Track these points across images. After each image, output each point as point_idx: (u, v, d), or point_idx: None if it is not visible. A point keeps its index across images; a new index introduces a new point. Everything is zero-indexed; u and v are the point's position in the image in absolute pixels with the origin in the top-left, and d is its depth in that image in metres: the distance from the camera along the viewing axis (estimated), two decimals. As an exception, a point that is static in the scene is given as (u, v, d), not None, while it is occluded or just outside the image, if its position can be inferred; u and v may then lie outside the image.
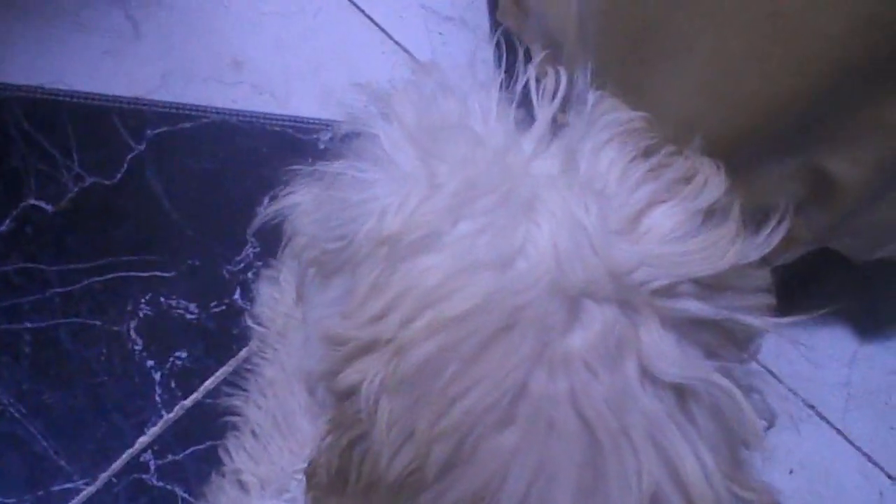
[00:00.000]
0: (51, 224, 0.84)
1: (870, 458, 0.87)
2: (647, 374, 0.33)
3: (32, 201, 0.85)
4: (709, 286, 0.35)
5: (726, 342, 0.36)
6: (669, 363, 0.33)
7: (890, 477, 0.87)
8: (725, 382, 0.33)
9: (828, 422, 0.89)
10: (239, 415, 0.76)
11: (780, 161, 0.66)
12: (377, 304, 0.35)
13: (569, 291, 0.34)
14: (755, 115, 0.61)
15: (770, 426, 0.38)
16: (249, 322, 0.80)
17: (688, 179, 0.38)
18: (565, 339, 0.33)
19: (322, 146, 0.93)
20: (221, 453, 0.73)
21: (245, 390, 0.77)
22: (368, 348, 0.35)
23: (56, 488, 0.76)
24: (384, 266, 0.35)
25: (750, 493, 0.34)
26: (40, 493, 0.76)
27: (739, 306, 0.35)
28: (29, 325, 0.81)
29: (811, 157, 0.65)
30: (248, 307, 0.82)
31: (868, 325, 0.94)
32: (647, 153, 0.39)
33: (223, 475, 0.74)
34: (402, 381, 0.33)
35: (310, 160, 0.93)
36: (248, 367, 0.78)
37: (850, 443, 0.88)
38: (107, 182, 0.87)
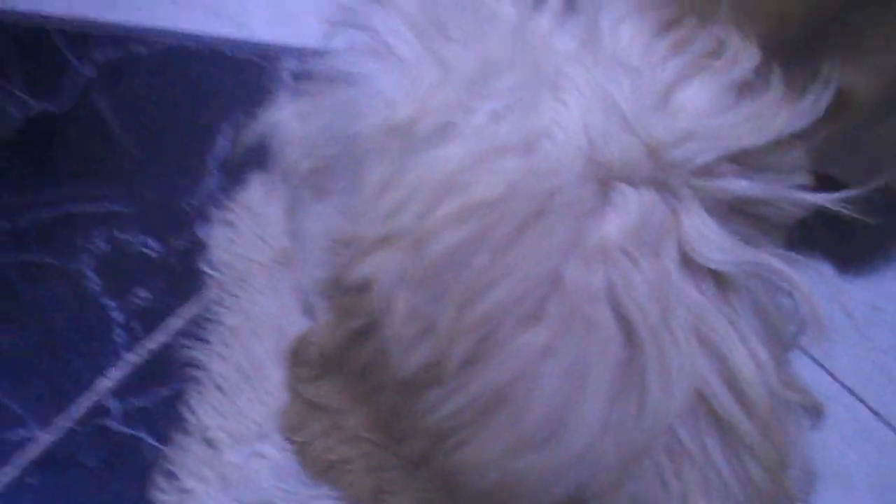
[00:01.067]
0: (-7, 155, 0.78)
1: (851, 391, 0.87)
2: (689, 262, 0.30)
3: (-30, 130, 0.78)
4: (749, 165, 0.32)
5: (763, 229, 0.33)
6: (713, 249, 0.30)
7: (874, 412, 0.87)
8: (779, 264, 0.30)
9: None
10: (200, 368, 0.72)
11: (788, 71, 0.63)
12: (391, 199, 0.31)
13: (603, 174, 0.30)
14: (767, 22, 0.58)
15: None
16: (205, 268, 0.76)
17: (716, 53, 0.35)
18: (601, 226, 0.30)
19: (285, 73, 0.87)
20: (183, 410, 0.69)
21: (205, 341, 0.72)
22: (383, 243, 0.31)
23: (9, 435, 0.71)
24: (396, 159, 0.32)
25: (797, 395, 0.32)
26: (-9, 440, 0.70)
27: (781, 185, 0.32)
28: (-27, 262, 0.75)
29: (820, 66, 0.62)
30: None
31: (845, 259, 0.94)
32: (668, 27, 0.35)
33: (187, 433, 0.70)
34: (424, 273, 0.30)
35: (272, 88, 0.88)
36: (207, 316, 0.73)
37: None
38: (54, 109, 0.80)
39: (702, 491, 0.30)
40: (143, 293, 0.76)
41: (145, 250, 0.78)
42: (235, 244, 0.74)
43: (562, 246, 0.29)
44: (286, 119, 0.46)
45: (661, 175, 0.30)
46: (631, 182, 0.30)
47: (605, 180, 0.30)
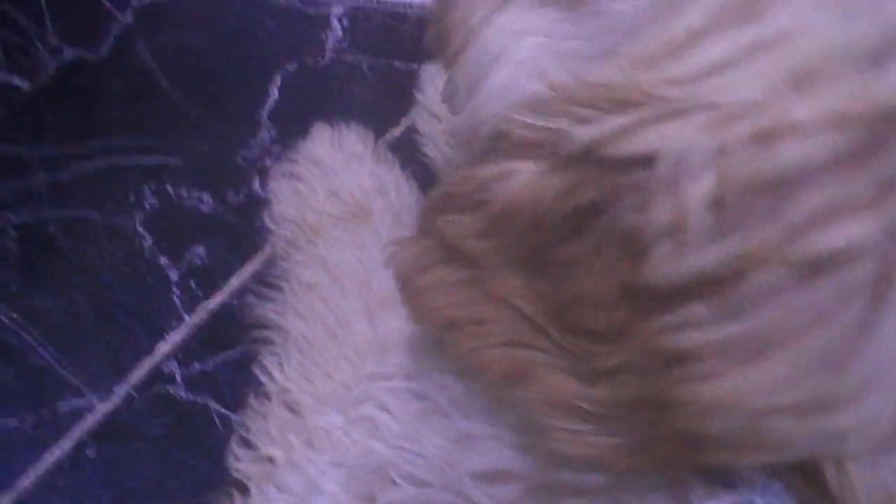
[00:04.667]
0: (28, 105, 0.71)
1: None
2: None
3: (3, 76, 0.71)
4: None
5: None
6: None
7: None
8: None
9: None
10: (272, 328, 0.66)
11: None
12: (709, 61, 0.26)
13: None
14: None
15: None
16: (270, 224, 0.70)
17: None
18: None
19: (333, 20, 0.82)
20: (259, 373, 0.63)
21: (276, 300, 0.67)
22: (687, 113, 0.26)
23: (64, 406, 0.64)
24: (731, 13, 0.26)
25: None
26: (43, 411, 0.64)
27: None
28: (12, 217, 0.68)
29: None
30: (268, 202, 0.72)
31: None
32: None
33: (266, 397, 0.65)
34: (755, 177, 0.25)
35: (322, 36, 0.82)
36: (276, 273, 0.68)
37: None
38: (91, 56, 0.74)
39: None
40: (200, 251, 0.70)
41: (200, 206, 0.72)
42: (304, 197, 0.69)
43: None
44: None
45: None
46: None
47: None
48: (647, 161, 0.26)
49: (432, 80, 0.78)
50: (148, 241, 0.70)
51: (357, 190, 0.69)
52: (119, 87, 0.74)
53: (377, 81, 0.81)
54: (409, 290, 0.37)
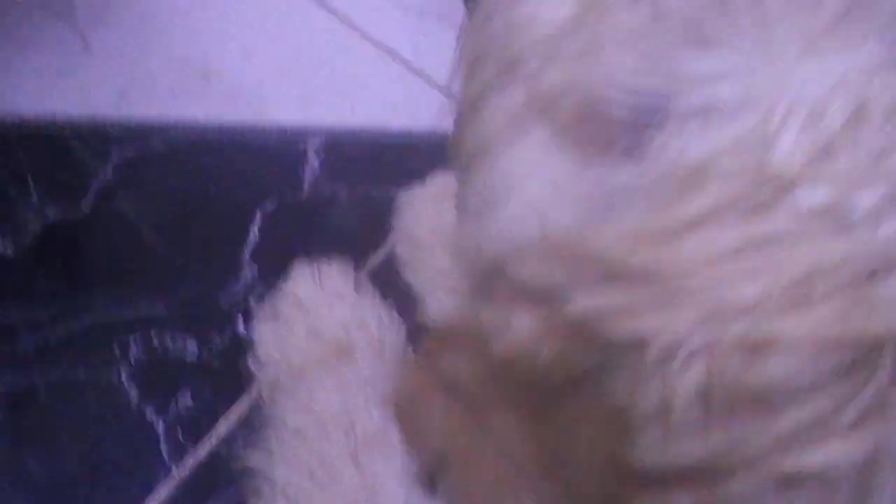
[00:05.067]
0: (13, 268, 0.73)
1: None
2: None
3: (-13, 243, 0.73)
4: None
5: None
6: None
7: None
8: None
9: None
10: (259, 476, 0.66)
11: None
12: (710, 250, 0.26)
13: None
14: None
15: None
16: (254, 368, 0.71)
17: None
18: None
19: (311, 154, 0.84)
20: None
21: (262, 446, 0.67)
22: (675, 299, 0.26)
23: (56, 574, 0.64)
24: (737, 204, 0.26)
25: None
26: (36, 581, 0.64)
27: None
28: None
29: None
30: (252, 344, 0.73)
31: None
32: None
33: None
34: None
35: (299, 170, 0.84)
36: (261, 419, 0.68)
37: None
38: (73, 215, 0.76)
39: None
40: (186, 399, 0.70)
41: (185, 353, 0.72)
42: (286, 339, 0.69)
43: None
44: None
45: None
46: None
47: None
48: (639, 343, 0.26)
49: (410, 206, 0.79)
50: (134, 395, 0.70)
51: (338, 328, 0.69)
52: (102, 243, 0.76)
53: (356, 210, 0.82)
54: (406, 418, 0.37)
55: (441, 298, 0.75)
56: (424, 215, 0.77)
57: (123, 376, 0.71)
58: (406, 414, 0.38)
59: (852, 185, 0.26)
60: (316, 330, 0.69)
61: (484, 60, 0.36)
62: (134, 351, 0.72)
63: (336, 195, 0.82)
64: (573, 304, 0.28)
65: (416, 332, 0.73)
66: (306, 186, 0.82)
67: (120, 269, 0.75)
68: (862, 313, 0.25)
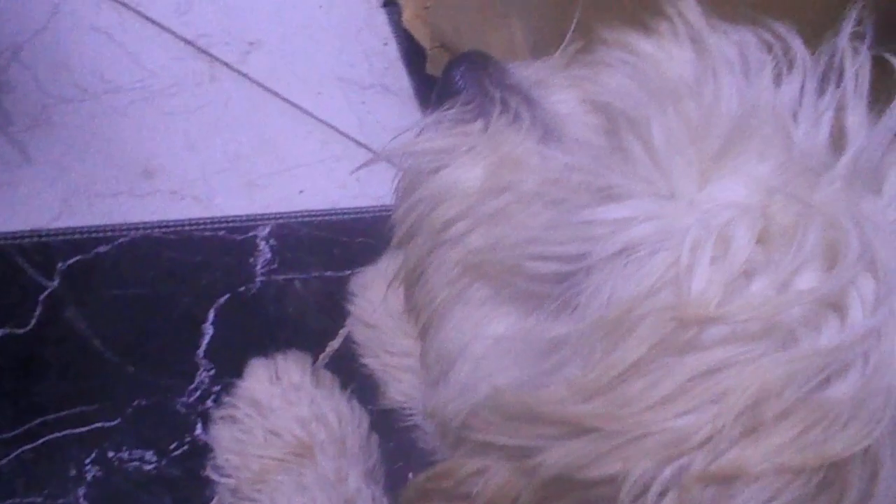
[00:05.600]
0: (-41, 393, 0.71)
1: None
2: None
3: (-68, 371, 0.71)
4: None
5: None
6: None
7: None
8: None
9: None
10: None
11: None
12: (654, 392, 0.27)
13: None
14: None
15: None
16: (213, 476, 0.69)
17: None
18: None
19: (261, 244, 0.83)
20: None
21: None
22: (647, 438, 0.27)
23: None
24: (666, 344, 0.27)
25: None
26: None
27: None
28: (-48, 521, 0.66)
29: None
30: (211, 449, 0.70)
31: None
32: None
33: None
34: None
35: (251, 260, 0.83)
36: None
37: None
38: (19, 331, 0.74)
39: None
40: (147, 515, 0.68)
41: (142, 465, 0.70)
42: (244, 443, 0.67)
43: None
44: (463, 180, 0.38)
45: None
46: None
47: None
48: (612, 479, 0.27)
49: (363, 289, 0.78)
50: (94, 516, 0.68)
51: (297, 426, 0.67)
52: (52, 358, 0.74)
53: (311, 296, 0.81)
54: None
55: (402, 379, 0.73)
56: (378, 297, 0.75)
57: (81, 496, 0.68)
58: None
59: (777, 307, 0.26)
60: (274, 429, 0.67)
61: (417, 228, 0.38)
62: (90, 469, 0.69)
63: (289, 283, 0.81)
64: (542, 458, 0.29)
65: (380, 416, 0.72)
66: (258, 277, 0.81)
67: (71, 384, 0.73)
68: (819, 432, 0.25)
